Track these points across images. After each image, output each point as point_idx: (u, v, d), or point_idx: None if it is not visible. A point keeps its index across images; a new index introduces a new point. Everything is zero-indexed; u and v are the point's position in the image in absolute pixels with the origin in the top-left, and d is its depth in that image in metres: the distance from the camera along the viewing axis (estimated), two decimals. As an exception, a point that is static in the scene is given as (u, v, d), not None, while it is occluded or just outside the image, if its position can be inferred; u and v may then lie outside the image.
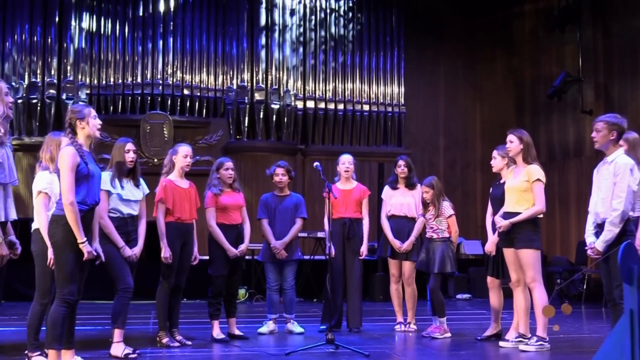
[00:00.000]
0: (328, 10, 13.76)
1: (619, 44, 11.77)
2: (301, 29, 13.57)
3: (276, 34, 13.26)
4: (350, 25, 13.82)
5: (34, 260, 5.64)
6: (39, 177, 5.70)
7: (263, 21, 13.22)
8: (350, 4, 13.88)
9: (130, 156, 6.31)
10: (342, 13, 13.81)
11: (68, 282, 4.92)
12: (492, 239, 7.02)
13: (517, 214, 6.49)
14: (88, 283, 5.38)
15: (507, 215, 6.57)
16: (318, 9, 13.73)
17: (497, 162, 7.16)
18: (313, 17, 13.69)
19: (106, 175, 6.21)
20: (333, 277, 7.35)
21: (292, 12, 13.46)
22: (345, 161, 7.86)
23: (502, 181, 7.07)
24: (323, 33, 13.70)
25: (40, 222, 5.55)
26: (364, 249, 7.74)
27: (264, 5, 13.25)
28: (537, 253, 6.49)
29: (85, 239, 4.89)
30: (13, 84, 12.26)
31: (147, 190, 6.50)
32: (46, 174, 5.67)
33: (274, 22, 13.28)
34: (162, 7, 13.02)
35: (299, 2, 13.58)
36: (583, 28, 12.51)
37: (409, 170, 7.96)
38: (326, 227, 7.52)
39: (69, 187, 4.85)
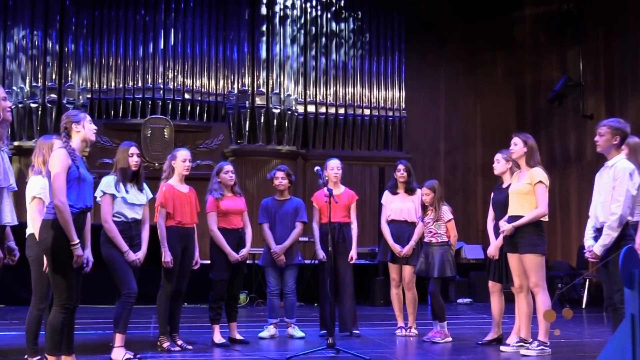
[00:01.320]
0: (329, 15, 13.77)
1: (620, 48, 11.78)
2: (302, 33, 13.59)
3: (277, 38, 13.27)
4: (351, 30, 13.83)
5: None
6: (32, 182, 5.67)
7: (264, 25, 13.23)
8: (351, 8, 13.89)
9: (134, 160, 6.30)
10: (342, 17, 13.81)
11: (65, 288, 4.86)
12: (496, 243, 6.98)
13: (520, 217, 6.48)
14: (89, 287, 5.37)
15: (511, 219, 6.56)
16: (319, 13, 13.74)
17: (500, 165, 7.14)
18: (314, 21, 13.70)
19: (110, 179, 6.22)
20: (324, 283, 7.36)
21: (293, 17, 13.47)
22: (334, 166, 7.85)
23: (504, 186, 7.05)
24: (324, 37, 13.71)
25: (35, 228, 5.50)
26: (353, 253, 7.72)
27: (264, 9, 13.26)
28: (541, 258, 6.46)
29: (77, 240, 4.82)
30: (14, 88, 12.28)
31: (150, 195, 6.50)
32: (39, 178, 5.65)
33: (274, 26, 13.29)
34: (163, 12, 13.03)
35: (300, 6, 13.59)
36: (584, 32, 12.52)
37: (408, 175, 7.95)
38: (316, 232, 7.57)
39: (60, 187, 4.81)
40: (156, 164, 11.85)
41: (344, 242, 7.71)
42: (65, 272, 4.85)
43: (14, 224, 4.69)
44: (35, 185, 5.62)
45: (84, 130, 5.11)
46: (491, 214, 7.25)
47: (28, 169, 5.84)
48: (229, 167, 7.24)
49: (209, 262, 7.14)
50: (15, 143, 11.85)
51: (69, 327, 5.05)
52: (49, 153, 5.60)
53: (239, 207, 7.18)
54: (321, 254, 7.55)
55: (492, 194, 7.30)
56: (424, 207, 7.64)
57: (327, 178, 7.78)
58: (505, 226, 6.57)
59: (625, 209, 5.41)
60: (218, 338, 6.97)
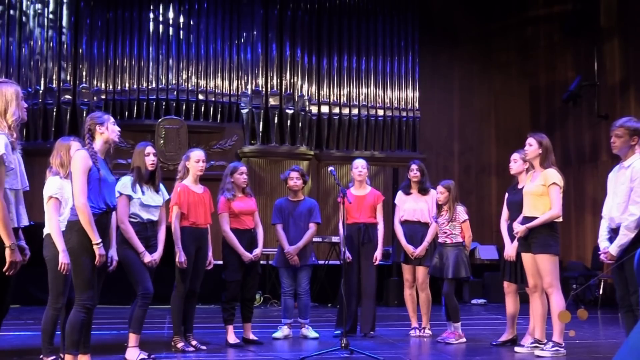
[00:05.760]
0: (342, 16, 13.77)
1: (635, 47, 11.71)
2: (315, 34, 13.58)
3: (290, 39, 13.27)
4: (365, 30, 13.81)
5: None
6: (49, 183, 5.73)
7: (277, 26, 13.23)
8: (365, 8, 13.87)
9: (150, 159, 6.31)
10: (356, 18, 13.79)
11: (86, 288, 4.94)
12: (513, 245, 6.95)
13: (534, 218, 6.46)
14: (105, 287, 5.41)
15: (525, 220, 6.54)
16: (332, 13, 13.73)
17: (517, 165, 7.12)
18: (327, 21, 13.69)
19: (127, 180, 6.24)
20: (348, 283, 7.35)
21: (306, 17, 13.48)
22: (359, 165, 7.86)
23: (519, 186, 7.02)
24: (337, 37, 13.70)
25: (51, 227, 5.56)
26: (377, 254, 7.71)
27: (277, 10, 13.26)
28: (554, 258, 6.45)
29: (99, 240, 4.90)
30: (29, 89, 12.34)
31: (167, 196, 6.52)
32: (57, 179, 5.70)
33: (287, 26, 13.29)
34: (177, 13, 13.07)
35: (313, 7, 13.59)
36: (598, 32, 12.46)
37: (421, 175, 7.94)
38: (341, 232, 7.53)
39: (80, 189, 4.88)
40: (170, 165, 11.87)
41: (369, 242, 7.70)
42: (88, 272, 4.93)
43: (28, 225, 4.73)
44: (52, 186, 5.67)
45: (108, 131, 5.16)
46: (505, 214, 7.23)
47: (46, 170, 5.88)
48: (243, 168, 7.25)
49: (222, 262, 7.16)
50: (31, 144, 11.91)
51: (87, 326, 5.12)
52: (66, 155, 5.66)
53: (250, 207, 7.19)
54: (347, 254, 7.51)
55: (507, 195, 7.28)
56: (439, 207, 7.63)
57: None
58: (519, 227, 6.56)
59: (645, 210, 5.38)
60: (232, 338, 6.98)
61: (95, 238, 4.88)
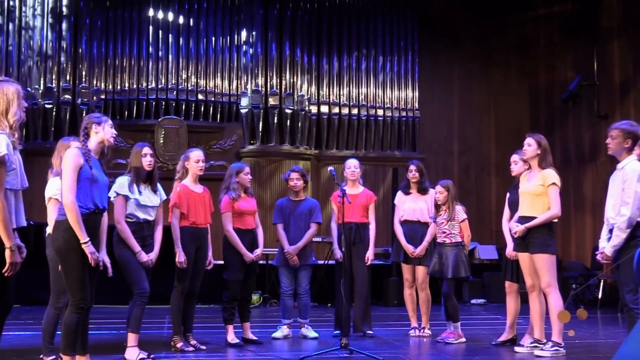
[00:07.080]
0: (342, 15, 13.77)
1: (634, 47, 11.71)
2: (315, 34, 13.58)
3: (290, 39, 13.27)
4: (365, 30, 13.81)
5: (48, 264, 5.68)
6: (50, 184, 5.73)
7: (277, 26, 13.23)
8: (364, 8, 13.88)
9: (147, 160, 6.30)
10: (356, 17, 13.80)
11: (78, 288, 4.87)
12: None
13: (532, 218, 6.47)
14: (102, 287, 5.39)
15: (522, 220, 6.55)
16: (332, 13, 13.73)
17: (518, 166, 7.12)
18: (327, 21, 13.69)
19: (124, 180, 6.23)
20: (340, 283, 7.36)
21: (306, 17, 13.48)
22: (352, 165, 7.86)
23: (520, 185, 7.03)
24: (337, 37, 13.70)
25: (51, 228, 5.57)
26: (369, 254, 7.71)
27: (277, 9, 13.26)
28: (552, 258, 6.46)
29: (87, 239, 4.81)
30: (29, 89, 12.33)
31: (164, 196, 6.50)
32: (57, 180, 5.68)
33: (287, 26, 13.30)
34: (176, 12, 13.07)
35: (313, 6, 13.59)
36: (598, 32, 12.46)
37: (420, 175, 7.93)
38: (334, 232, 7.55)
39: (69, 187, 4.83)
40: (170, 165, 11.87)
41: (361, 242, 7.69)
42: (78, 272, 4.86)
43: (24, 225, 4.71)
44: (53, 187, 5.67)
45: (103, 132, 5.13)
46: (507, 214, 7.23)
47: (46, 169, 5.87)
48: (247, 168, 7.28)
49: (222, 262, 7.16)
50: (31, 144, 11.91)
51: (84, 327, 5.07)
52: (65, 155, 5.64)
53: (252, 207, 7.21)
54: (338, 254, 7.53)
55: (508, 194, 7.29)
56: (437, 207, 7.63)
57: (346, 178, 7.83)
58: (516, 227, 6.56)
59: (635, 211, 5.41)
60: (232, 338, 6.98)
61: (83, 237, 4.80)
